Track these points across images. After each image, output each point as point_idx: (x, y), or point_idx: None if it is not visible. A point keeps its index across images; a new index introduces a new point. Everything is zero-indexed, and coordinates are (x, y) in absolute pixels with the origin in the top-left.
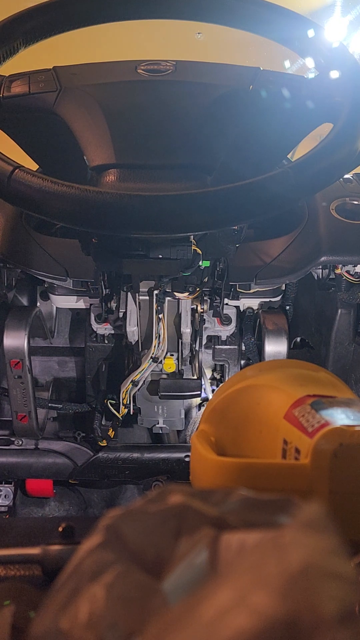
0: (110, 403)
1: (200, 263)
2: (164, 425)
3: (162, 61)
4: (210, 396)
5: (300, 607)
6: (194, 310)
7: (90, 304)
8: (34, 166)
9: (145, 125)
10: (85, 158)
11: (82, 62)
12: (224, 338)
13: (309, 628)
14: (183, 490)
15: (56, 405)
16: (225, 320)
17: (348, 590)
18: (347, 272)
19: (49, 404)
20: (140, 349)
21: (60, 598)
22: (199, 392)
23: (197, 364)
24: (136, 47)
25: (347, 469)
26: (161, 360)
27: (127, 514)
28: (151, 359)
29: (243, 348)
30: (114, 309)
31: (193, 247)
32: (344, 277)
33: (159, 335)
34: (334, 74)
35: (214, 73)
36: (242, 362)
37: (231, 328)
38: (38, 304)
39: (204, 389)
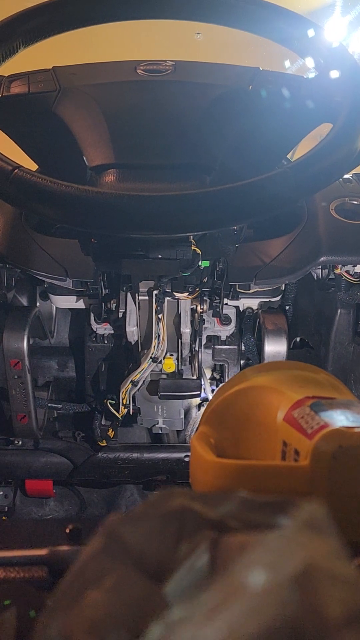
0: (109, 403)
1: (199, 263)
2: (164, 425)
3: (162, 61)
4: (209, 396)
5: (304, 610)
6: (193, 310)
7: (90, 304)
8: (34, 166)
9: (145, 125)
10: (84, 158)
11: (82, 62)
12: (223, 338)
13: (315, 631)
14: (183, 493)
15: (56, 406)
16: (224, 320)
17: (352, 592)
18: (347, 272)
19: (49, 404)
20: (139, 349)
21: (62, 603)
22: (199, 392)
23: (196, 364)
24: (136, 47)
25: (347, 471)
26: (161, 360)
27: (128, 518)
28: (151, 359)
29: (243, 348)
30: (114, 309)
31: (192, 247)
32: (344, 277)
33: (159, 335)
34: (334, 74)
35: (214, 73)
36: (242, 362)
37: (231, 328)
38: (38, 304)
39: (204, 389)
